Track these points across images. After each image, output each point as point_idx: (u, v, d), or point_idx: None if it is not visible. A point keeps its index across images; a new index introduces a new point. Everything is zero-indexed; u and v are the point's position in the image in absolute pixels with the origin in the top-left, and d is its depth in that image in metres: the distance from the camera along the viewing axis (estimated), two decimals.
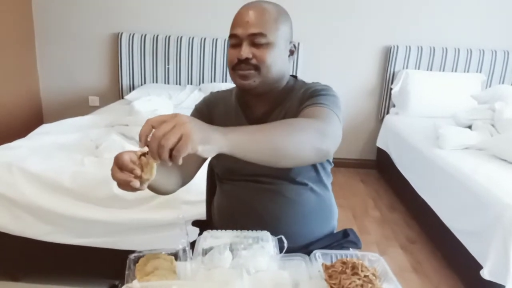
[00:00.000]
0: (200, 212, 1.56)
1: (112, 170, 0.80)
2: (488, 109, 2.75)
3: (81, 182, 1.74)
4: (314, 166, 1.14)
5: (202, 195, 1.48)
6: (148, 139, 0.70)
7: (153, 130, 0.69)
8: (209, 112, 1.21)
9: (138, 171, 0.79)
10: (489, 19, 3.46)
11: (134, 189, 0.80)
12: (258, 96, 1.14)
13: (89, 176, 1.75)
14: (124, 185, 0.79)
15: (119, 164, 0.79)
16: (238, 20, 1.08)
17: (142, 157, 0.82)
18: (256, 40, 1.05)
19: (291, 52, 1.14)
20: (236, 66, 1.07)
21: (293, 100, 1.13)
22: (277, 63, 1.09)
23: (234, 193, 1.19)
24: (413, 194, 2.65)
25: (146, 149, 0.79)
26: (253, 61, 1.05)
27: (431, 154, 2.55)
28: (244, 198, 1.14)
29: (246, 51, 1.05)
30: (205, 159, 1.18)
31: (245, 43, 1.05)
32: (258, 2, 1.10)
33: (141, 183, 0.80)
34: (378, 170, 3.54)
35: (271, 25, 1.07)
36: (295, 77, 1.22)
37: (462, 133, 2.54)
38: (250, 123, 1.14)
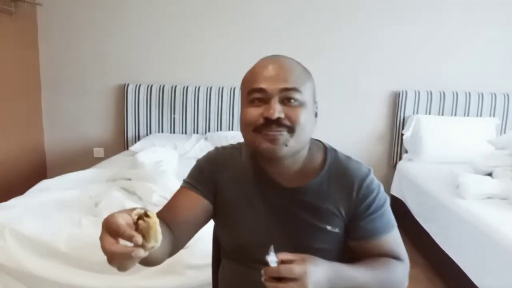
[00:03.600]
0: (207, 277, 1.42)
1: (103, 240, 0.64)
2: (508, 155, 2.62)
3: (76, 246, 1.60)
4: (338, 257, 0.98)
5: (208, 258, 1.33)
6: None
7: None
8: (212, 175, 1.03)
9: (139, 238, 0.64)
10: (499, 62, 3.41)
11: (132, 263, 0.65)
12: (283, 164, 0.95)
13: (85, 238, 1.61)
14: (122, 258, 0.63)
15: (111, 230, 0.64)
16: (262, 73, 0.90)
17: (140, 221, 0.69)
18: (289, 96, 0.89)
19: (315, 114, 0.98)
20: (263, 127, 0.88)
21: (331, 178, 0.97)
22: (310, 125, 0.93)
23: (239, 271, 1.04)
24: (434, 247, 2.47)
25: (150, 211, 0.68)
26: (286, 122, 0.88)
27: (451, 204, 2.39)
28: (251, 277, 0.97)
29: (278, 109, 0.87)
30: (201, 227, 1.03)
31: (274, 100, 0.88)
32: (281, 56, 0.95)
33: (144, 252, 0.65)
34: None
35: (302, 81, 0.92)
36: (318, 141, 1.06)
37: (483, 182, 2.40)
38: (276, 197, 0.98)
